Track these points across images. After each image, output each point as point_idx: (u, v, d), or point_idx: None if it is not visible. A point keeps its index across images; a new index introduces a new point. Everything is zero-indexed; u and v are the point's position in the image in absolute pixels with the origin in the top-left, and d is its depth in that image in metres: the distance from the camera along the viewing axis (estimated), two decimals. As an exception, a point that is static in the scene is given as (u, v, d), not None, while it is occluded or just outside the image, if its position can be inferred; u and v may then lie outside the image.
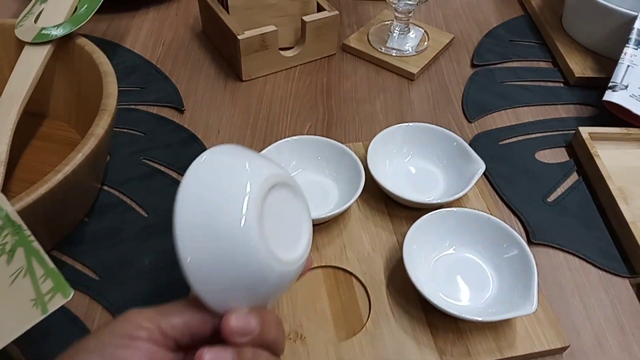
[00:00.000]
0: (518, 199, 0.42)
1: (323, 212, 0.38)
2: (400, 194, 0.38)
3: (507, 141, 0.48)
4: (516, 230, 0.36)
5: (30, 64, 0.40)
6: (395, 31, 0.57)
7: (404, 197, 0.38)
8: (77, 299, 0.34)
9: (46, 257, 0.25)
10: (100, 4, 0.43)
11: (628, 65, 0.48)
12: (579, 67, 0.54)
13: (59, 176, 0.31)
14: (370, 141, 0.42)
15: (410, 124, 0.44)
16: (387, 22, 0.59)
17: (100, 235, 0.37)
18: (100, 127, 0.34)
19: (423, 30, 0.58)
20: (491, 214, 0.37)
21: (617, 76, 0.47)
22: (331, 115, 0.50)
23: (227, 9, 0.52)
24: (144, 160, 0.43)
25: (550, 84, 0.54)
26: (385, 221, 0.39)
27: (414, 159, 0.43)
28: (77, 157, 0.32)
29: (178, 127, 0.46)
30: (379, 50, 0.56)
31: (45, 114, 0.44)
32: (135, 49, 0.55)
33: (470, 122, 0.50)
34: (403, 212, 0.40)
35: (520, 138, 0.48)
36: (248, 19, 0.52)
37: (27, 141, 0.42)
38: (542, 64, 0.57)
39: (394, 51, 0.56)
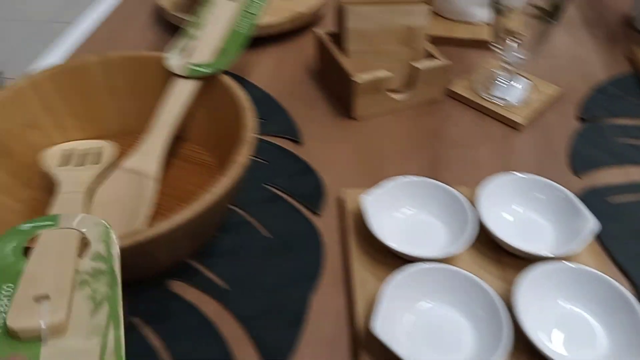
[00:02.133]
0: (631, 263, 0.42)
1: (432, 252, 0.40)
2: (510, 242, 0.39)
3: (618, 199, 0.48)
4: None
5: (182, 95, 0.46)
6: (501, 80, 0.59)
7: (515, 246, 0.39)
8: (208, 305, 0.38)
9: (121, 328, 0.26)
10: (244, 47, 0.48)
11: None
12: (695, 129, 0.53)
13: (212, 196, 0.35)
14: (478, 187, 0.44)
15: (520, 174, 0.45)
16: (492, 70, 0.61)
17: (229, 250, 0.42)
18: (243, 155, 0.39)
19: (528, 81, 0.60)
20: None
21: None
22: (437, 158, 0.52)
23: (345, 52, 0.56)
24: (266, 186, 0.47)
25: (663, 143, 0.54)
26: (492, 266, 0.41)
27: (521, 208, 0.45)
28: (226, 181, 0.37)
29: (296, 158, 0.51)
30: (484, 98, 0.58)
31: (186, 138, 0.50)
32: (258, 83, 0.61)
33: (577, 176, 0.50)
34: (508, 258, 0.41)
35: (631, 198, 0.48)
36: (361, 62, 0.56)
37: (170, 160, 0.48)
38: (654, 123, 0.56)
39: (500, 100, 0.58)
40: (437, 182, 0.44)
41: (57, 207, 0.41)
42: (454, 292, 0.37)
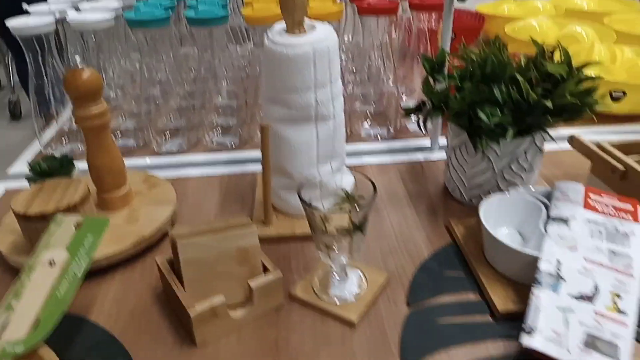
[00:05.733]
0: None
1: None
2: None
3: (443, 391, 0.51)
4: None
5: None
6: (335, 277, 0.63)
7: None
8: None
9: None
10: (61, 317, 0.49)
11: (537, 307, 0.53)
12: (501, 300, 0.60)
13: None
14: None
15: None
16: (328, 269, 0.66)
17: None
18: None
19: (359, 272, 0.65)
20: None
21: (530, 318, 0.53)
22: (278, 378, 0.53)
23: (181, 282, 0.58)
24: None
25: (479, 318, 0.59)
26: None
27: None
28: None
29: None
30: (322, 298, 0.62)
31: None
32: (99, 320, 0.60)
33: (407, 371, 0.53)
34: None
35: (455, 385, 0.51)
36: (199, 289, 0.58)
37: None
38: (471, 297, 0.62)
39: (336, 298, 0.62)
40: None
41: None
42: None
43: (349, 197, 0.60)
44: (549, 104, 0.63)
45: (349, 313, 0.60)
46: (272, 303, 0.61)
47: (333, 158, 0.74)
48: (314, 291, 0.63)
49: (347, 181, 0.61)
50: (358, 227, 0.57)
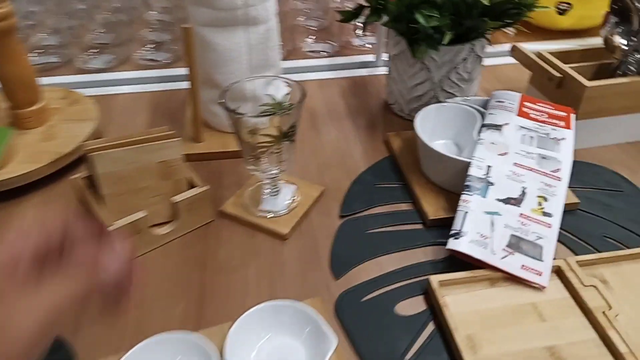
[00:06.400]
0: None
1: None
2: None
3: (370, 296, 0.51)
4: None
5: None
6: (267, 192, 0.61)
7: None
8: None
9: None
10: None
11: (466, 212, 0.53)
12: (432, 208, 0.59)
13: None
14: (232, 324, 0.44)
15: (270, 302, 0.46)
16: (259, 183, 0.63)
17: None
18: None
19: (294, 187, 0.63)
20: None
21: (457, 223, 0.53)
22: (204, 291, 0.52)
23: (101, 197, 0.55)
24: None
25: (410, 226, 0.59)
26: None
27: (275, 337, 0.45)
28: None
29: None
30: (253, 213, 0.60)
31: None
32: (14, 242, 0.57)
33: (336, 279, 0.53)
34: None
35: (381, 291, 0.51)
36: (119, 204, 0.55)
37: None
38: (404, 206, 0.62)
39: (267, 213, 0.60)
40: (190, 335, 0.44)
41: None
42: None
43: (278, 105, 0.57)
44: (486, 1, 0.60)
45: (279, 226, 0.58)
46: (201, 220, 0.59)
47: (267, 68, 0.69)
48: (245, 206, 0.61)
49: (282, 94, 0.57)
50: (286, 135, 0.54)
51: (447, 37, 0.63)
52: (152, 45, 0.97)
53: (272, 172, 0.58)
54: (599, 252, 0.55)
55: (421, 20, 0.62)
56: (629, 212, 0.60)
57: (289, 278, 0.53)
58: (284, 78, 0.57)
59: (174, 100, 0.83)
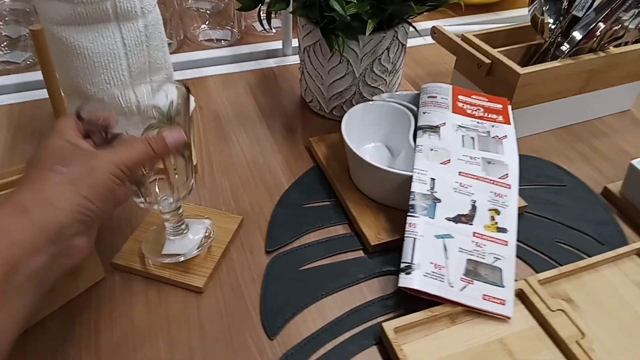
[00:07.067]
0: None
1: None
2: None
3: (316, 358, 0.42)
4: None
5: None
6: (169, 231, 0.49)
7: None
8: None
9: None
10: None
11: (414, 239, 0.45)
12: (373, 230, 0.51)
13: None
14: None
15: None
16: (162, 223, 0.51)
17: None
18: None
19: (206, 221, 0.51)
20: None
21: (407, 254, 0.45)
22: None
23: None
24: None
25: (349, 254, 0.50)
26: None
27: None
28: None
29: None
30: (157, 262, 0.48)
31: None
32: None
33: (271, 339, 0.43)
34: None
35: (329, 347, 0.42)
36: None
37: None
38: (339, 229, 0.53)
39: (175, 257, 0.48)
40: None
41: None
42: None
43: (166, 117, 0.44)
44: (413, -14, 0.51)
45: (191, 277, 0.47)
46: (85, 280, 0.46)
47: (152, 72, 0.56)
48: (145, 254, 0.49)
49: (170, 101, 0.44)
50: (178, 152, 0.42)
51: (371, 26, 0.54)
52: (5, 44, 0.78)
53: (168, 201, 0.46)
54: (554, 260, 0.50)
55: (337, 7, 0.52)
56: (576, 210, 0.56)
57: (211, 346, 0.43)
58: (175, 82, 0.45)
59: (39, 115, 0.67)
